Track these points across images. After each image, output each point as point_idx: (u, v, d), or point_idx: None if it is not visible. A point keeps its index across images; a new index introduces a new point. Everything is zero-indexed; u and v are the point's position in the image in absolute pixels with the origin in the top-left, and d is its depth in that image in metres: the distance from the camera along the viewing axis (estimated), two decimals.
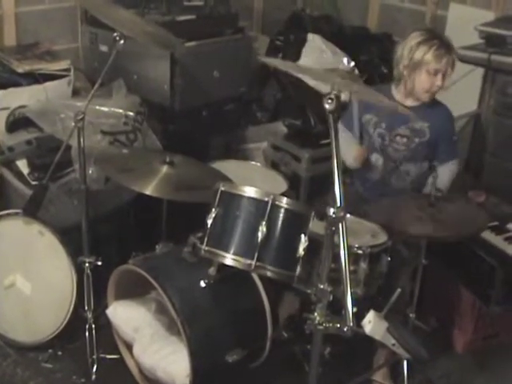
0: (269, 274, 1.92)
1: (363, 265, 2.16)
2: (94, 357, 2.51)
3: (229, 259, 1.93)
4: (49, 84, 3.00)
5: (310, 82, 3.32)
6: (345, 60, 3.65)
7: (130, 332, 2.44)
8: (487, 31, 3.13)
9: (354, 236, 2.20)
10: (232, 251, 1.92)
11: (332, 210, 1.59)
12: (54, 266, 2.54)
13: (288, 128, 3.53)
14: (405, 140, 2.64)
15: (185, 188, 2.30)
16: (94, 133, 2.71)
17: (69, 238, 2.54)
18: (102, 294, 2.50)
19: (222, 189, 1.99)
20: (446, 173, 2.64)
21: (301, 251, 1.91)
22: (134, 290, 2.48)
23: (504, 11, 3.41)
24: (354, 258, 2.14)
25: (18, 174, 2.74)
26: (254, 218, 1.91)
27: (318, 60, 3.60)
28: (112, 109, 2.83)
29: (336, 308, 1.68)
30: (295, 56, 3.69)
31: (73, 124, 2.34)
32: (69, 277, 2.52)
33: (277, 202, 1.92)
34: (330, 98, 1.63)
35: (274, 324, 2.36)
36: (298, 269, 1.92)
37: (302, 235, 1.92)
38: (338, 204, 1.59)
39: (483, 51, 3.08)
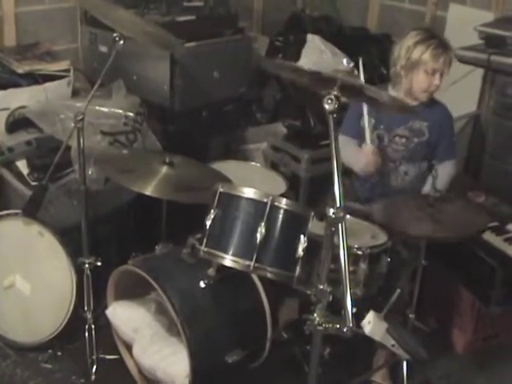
0: (268, 274, 1.92)
1: (363, 265, 2.17)
2: (94, 357, 2.51)
3: (228, 260, 1.93)
4: (48, 84, 3.00)
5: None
6: (344, 61, 3.65)
7: (129, 332, 2.44)
8: (487, 32, 3.13)
9: (353, 236, 2.20)
10: (231, 252, 1.92)
11: (332, 211, 1.59)
12: (54, 266, 2.54)
13: (288, 129, 3.53)
14: (404, 140, 2.64)
15: (184, 188, 2.30)
16: (93, 133, 2.71)
17: (68, 238, 2.54)
18: (101, 294, 2.50)
19: (221, 190, 1.99)
20: (444, 172, 2.63)
21: (300, 252, 1.91)
22: (133, 291, 2.48)
23: (503, 12, 3.41)
24: (353, 258, 2.15)
25: (18, 175, 2.74)
26: (252, 219, 1.91)
27: (318, 61, 3.60)
28: (112, 109, 2.83)
29: (335, 308, 1.68)
30: (295, 56, 3.69)
31: (72, 124, 2.34)
32: (68, 277, 2.52)
33: (276, 203, 1.92)
34: (329, 99, 1.63)
35: (274, 325, 2.37)
36: (298, 269, 1.91)
37: (302, 236, 1.92)
38: (338, 204, 1.60)
39: (483, 52, 3.08)
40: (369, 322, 1.70)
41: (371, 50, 3.85)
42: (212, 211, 1.97)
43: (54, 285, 2.56)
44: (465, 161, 3.43)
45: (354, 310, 1.58)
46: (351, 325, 1.58)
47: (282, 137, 3.53)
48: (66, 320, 2.54)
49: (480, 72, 3.33)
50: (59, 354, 2.62)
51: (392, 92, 2.66)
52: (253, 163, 3.16)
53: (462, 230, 2.29)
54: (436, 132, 2.63)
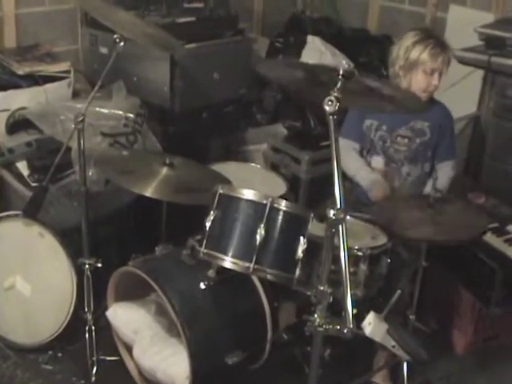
0: (268, 276, 1.91)
1: (363, 266, 2.16)
2: (94, 358, 2.51)
3: (227, 262, 1.93)
4: (49, 86, 3.00)
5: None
6: (344, 62, 3.65)
7: (129, 334, 2.44)
8: (487, 33, 3.14)
9: (353, 238, 2.20)
10: (230, 254, 1.92)
11: (332, 212, 1.59)
12: (54, 267, 2.54)
13: (288, 130, 3.53)
14: (406, 141, 2.64)
15: (185, 190, 2.30)
16: (93, 135, 2.71)
17: (69, 239, 2.54)
18: (101, 295, 2.50)
19: (221, 191, 1.98)
20: (445, 173, 2.63)
21: (300, 253, 1.90)
22: (133, 292, 2.48)
23: (504, 13, 3.42)
24: (353, 259, 2.14)
25: (18, 176, 2.73)
26: (252, 220, 1.91)
27: (318, 62, 3.60)
28: (112, 111, 2.83)
29: (336, 310, 1.68)
30: (295, 58, 3.69)
31: (73, 126, 2.34)
32: (69, 278, 2.52)
33: (275, 205, 1.91)
34: (329, 100, 1.63)
35: (274, 326, 2.36)
36: (298, 271, 1.91)
37: (301, 237, 1.91)
38: (338, 206, 1.60)
39: (483, 53, 3.08)
40: (369, 323, 1.70)
41: (371, 51, 3.86)
42: (212, 213, 1.97)
43: (54, 286, 2.56)
44: (465, 162, 3.43)
45: (355, 311, 1.58)
46: (351, 326, 1.57)
47: (282, 138, 3.53)
48: (67, 321, 2.54)
49: (480, 73, 3.33)
50: (59, 355, 2.62)
51: None
52: (253, 164, 3.16)
53: (462, 233, 2.28)
54: (437, 131, 2.63)
